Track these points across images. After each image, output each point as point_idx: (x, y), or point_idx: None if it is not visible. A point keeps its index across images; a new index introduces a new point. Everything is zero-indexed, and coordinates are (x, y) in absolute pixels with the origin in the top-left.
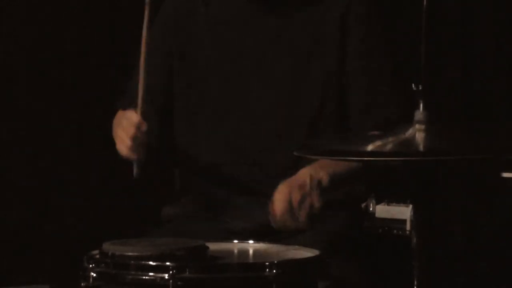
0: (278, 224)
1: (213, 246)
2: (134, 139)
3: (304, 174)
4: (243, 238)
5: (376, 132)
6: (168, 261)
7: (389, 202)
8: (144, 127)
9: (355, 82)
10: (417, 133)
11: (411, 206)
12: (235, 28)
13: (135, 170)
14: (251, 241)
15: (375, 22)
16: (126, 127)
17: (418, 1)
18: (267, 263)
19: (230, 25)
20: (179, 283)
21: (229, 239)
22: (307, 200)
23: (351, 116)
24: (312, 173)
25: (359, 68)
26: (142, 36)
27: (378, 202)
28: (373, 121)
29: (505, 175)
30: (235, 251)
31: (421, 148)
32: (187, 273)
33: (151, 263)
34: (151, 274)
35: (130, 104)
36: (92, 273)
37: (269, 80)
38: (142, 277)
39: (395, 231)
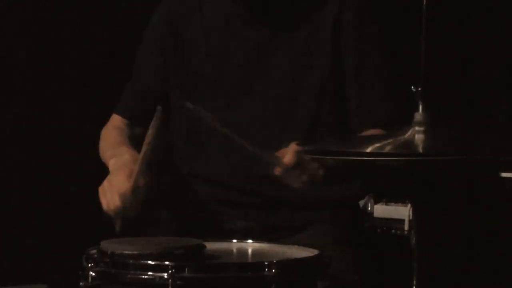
0: (282, 174)
1: (212, 246)
2: (126, 197)
3: None
4: (243, 237)
5: (376, 132)
6: (167, 260)
7: (387, 202)
8: (142, 181)
9: (351, 85)
10: (417, 134)
11: (409, 205)
12: (229, 36)
13: (117, 225)
14: (250, 241)
15: (368, 25)
16: (117, 178)
17: (418, 1)
18: (266, 263)
19: (224, 32)
20: (178, 282)
21: (229, 238)
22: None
23: (349, 118)
24: None
25: (355, 70)
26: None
27: (376, 202)
28: (372, 122)
29: (505, 175)
30: (234, 250)
31: (420, 148)
32: (186, 272)
33: (150, 262)
34: (150, 273)
35: (125, 111)
36: (91, 272)
37: (264, 87)
38: (141, 276)
39: (393, 230)
